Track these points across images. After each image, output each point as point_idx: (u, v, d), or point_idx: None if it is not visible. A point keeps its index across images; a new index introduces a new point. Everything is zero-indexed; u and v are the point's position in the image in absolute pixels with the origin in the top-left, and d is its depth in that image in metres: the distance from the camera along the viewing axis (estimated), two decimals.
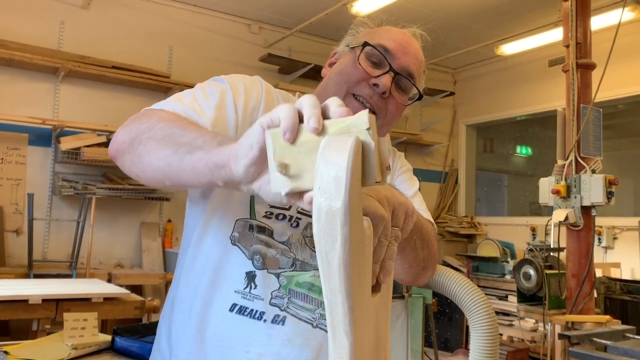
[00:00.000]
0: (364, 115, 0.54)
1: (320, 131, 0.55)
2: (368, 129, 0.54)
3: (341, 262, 0.51)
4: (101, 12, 4.59)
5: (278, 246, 0.97)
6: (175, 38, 4.88)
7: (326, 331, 0.93)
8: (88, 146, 4.17)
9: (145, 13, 4.77)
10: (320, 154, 0.53)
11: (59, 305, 2.61)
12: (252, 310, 0.94)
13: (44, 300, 2.57)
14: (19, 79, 4.25)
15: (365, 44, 1.02)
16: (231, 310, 0.94)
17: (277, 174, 0.57)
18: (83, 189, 4.16)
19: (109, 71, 4.37)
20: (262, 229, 0.96)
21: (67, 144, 4.14)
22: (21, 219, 4.14)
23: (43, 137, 4.29)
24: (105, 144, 4.22)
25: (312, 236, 0.89)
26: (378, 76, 1.00)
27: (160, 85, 4.50)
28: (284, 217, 0.97)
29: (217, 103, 0.94)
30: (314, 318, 0.97)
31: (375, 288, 0.65)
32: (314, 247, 0.90)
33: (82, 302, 2.64)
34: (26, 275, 3.77)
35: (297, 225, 0.98)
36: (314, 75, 5.27)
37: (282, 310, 0.95)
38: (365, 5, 4.48)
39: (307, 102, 0.58)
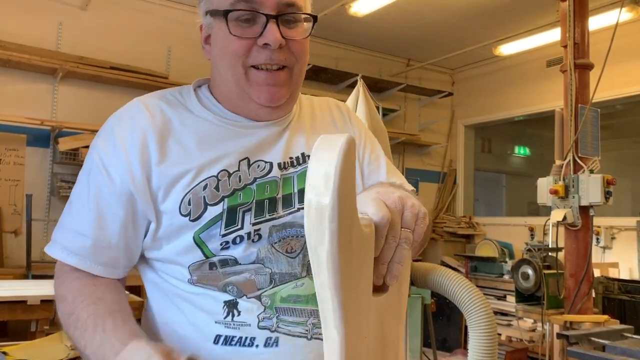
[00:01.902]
0: None
1: None
2: None
3: (329, 256, 0.52)
4: (99, 13, 4.58)
5: (249, 268, 0.89)
6: (173, 38, 4.87)
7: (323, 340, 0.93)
8: (86, 147, 4.16)
9: (143, 14, 4.77)
10: (313, 153, 0.54)
11: None
12: (240, 338, 0.87)
13: (42, 301, 2.57)
14: (17, 80, 4.24)
15: (225, 12, 0.88)
16: (216, 342, 0.87)
17: None
18: None
19: (107, 72, 4.37)
20: (224, 262, 0.88)
21: (65, 144, 4.14)
22: (19, 219, 4.14)
23: (41, 137, 4.28)
24: None
25: (280, 240, 0.90)
26: (261, 34, 0.88)
27: (159, 86, 4.49)
28: (242, 238, 0.88)
29: (93, 195, 0.89)
30: (307, 330, 0.90)
31: (381, 288, 0.65)
32: (285, 251, 0.91)
33: None
34: (25, 276, 3.76)
35: (260, 237, 0.89)
36: (312, 75, 5.27)
37: (272, 332, 0.88)
38: (363, 6, 4.48)
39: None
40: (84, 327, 0.82)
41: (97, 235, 0.88)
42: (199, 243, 0.87)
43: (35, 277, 3.74)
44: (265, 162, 0.94)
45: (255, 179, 0.92)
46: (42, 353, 1.58)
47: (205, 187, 0.89)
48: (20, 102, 4.22)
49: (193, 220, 0.87)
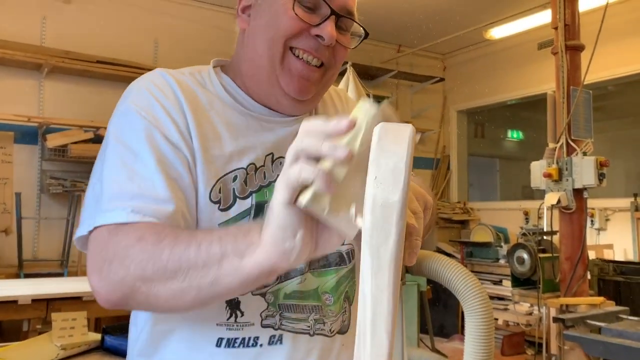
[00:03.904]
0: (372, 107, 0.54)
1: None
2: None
3: (393, 257, 0.50)
4: (83, 7, 4.51)
5: None
6: (160, 30, 4.81)
7: (326, 336, 0.91)
8: (75, 143, 4.11)
9: (128, 6, 4.70)
10: (377, 143, 0.51)
11: (49, 304, 2.59)
12: (243, 339, 0.84)
13: (33, 300, 2.54)
14: (2, 77, 4.18)
15: None
16: (218, 345, 0.83)
17: (343, 225, 0.55)
18: (72, 186, 4.12)
19: (93, 66, 4.31)
20: None
21: (53, 141, 4.09)
22: (10, 218, 4.09)
23: (29, 134, 4.23)
24: (93, 140, 4.17)
25: None
26: (319, 24, 0.85)
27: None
28: None
29: (156, 158, 0.78)
30: (309, 327, 0.89)
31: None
32: None
33: (73, 301, 2.62)
34: (17, 275, 3.74)
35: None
36: None
37: (276, 330, 0.86)
38: None
39: (312, 141, 0.53)
40: (191, 235, 0.67)
41: (175, 201, 0.76)
42: None
43: (27, 276, 3.71)
44: None
45: (278, 177, 0.89)
46: (32, 354, 1.56)
47: (235, 179, 0.85)
48: (6, 99, 4.16)
49: (222, 210, 0.83)
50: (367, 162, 0.52)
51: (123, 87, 0.91)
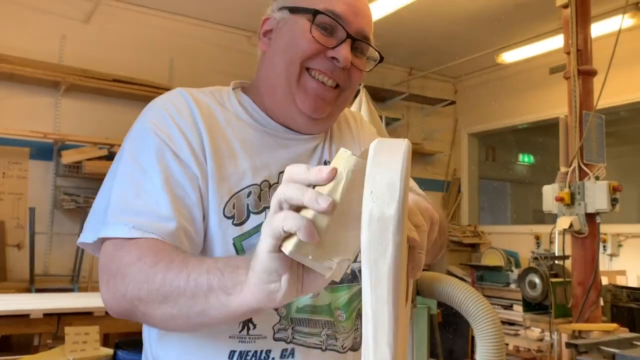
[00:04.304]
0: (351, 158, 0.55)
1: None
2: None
3: (391, 270, 0.50)
4: (102, 26, 4.61)
5: None
6: (176, 50, 4.89)
7: (337, 351, 0.91)
8: (89, 159, 4.16)
9: (145, 26, 4.79)
10: (373, 158, 0.52)
11: (60, 319, 2.59)
12: (255, 352, 0.85)
13: (45, 315, 2.55)
14: (21, 94, 4.26)
15: (316, 11, 0.89)
16: (231, 358, 0.84)
17: (324, 269, 0.56)
18: (84, 203, 4.15)
19: (109, 84, 4.38)
20: None
21: (68, 157, 4.14)
22: (22, 233, 4.13)
23: (44, 151, 4.29)
24: (107, 157, 4.22)
25: None
26: (335, 47, 0.89)
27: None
28: None
29: (163, 176, 0.81)
30: (321, 341, 0.90)
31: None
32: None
33: (83, 316, 2.62)
34: (27, 290, 3.75)
35: None
36: None
37: (288, 343, 0.86)
38: None
39: (294, 190, 0.54)
40: (184, 262, 0.69)
41: (177, 219, 0.79)
42: (239, 249, 0.85)
43: (38, 290, 3.72)
44: None
45: None
46: None
47: (249, 195, 0.87)
48: (23, 115, 4.23)
49: (236, 225, 0.85)
50: (349, 210, 0.53)
51: (138, 105, 0.95)
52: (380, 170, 0.51)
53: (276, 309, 0.86)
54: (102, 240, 0.80)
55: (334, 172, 0.55)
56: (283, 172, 0.90)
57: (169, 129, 0.85)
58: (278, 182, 0.90)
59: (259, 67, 0.98)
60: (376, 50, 0.96)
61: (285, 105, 0.93)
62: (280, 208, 0.56)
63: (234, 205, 0.86)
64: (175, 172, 0.83)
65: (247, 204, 0.87)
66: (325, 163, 0.98)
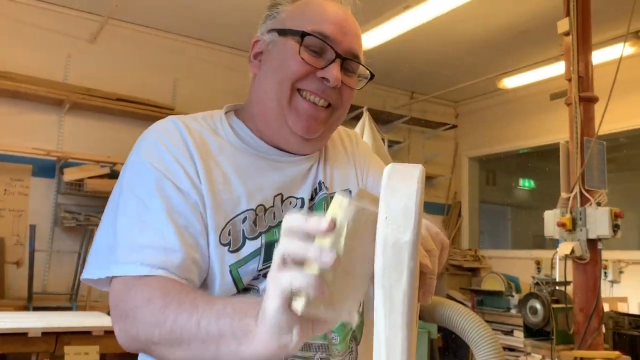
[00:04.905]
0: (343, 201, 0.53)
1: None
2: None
3: (405, 297, 0.50)
4: (107, 46, 4.65)
5: None
6: (179, 70, 4.94)
7: None
8: (91, 177, 4.17)
9: (150, 47, 4.84)
10: (387, 183, 0.52)
11: (58, 338, 2.56)
12: None
13: (43, 334, 2.52)
14: (25, 111, 4.28)
15: (304, 33, 0.89)
16: None
17: (336, 316, 0.56)
18: (85, 221, 4.15)
19: (113, 103, 4.41)
20: (246, 290, 0.87)
21: (70, 175, 4.15)
22: (22, 250, 4.11)
23: (47, 168, 4.29)
24: (109, 175, 4.23)
25: None
26: (324, 67, 0.89)
27: (165, 118, 4.51)
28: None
29: (166, 209, 0.82)
30: None
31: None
32: None
33: (82, 336, 2.60)
34: (25, 308, 3.72)
35: None
36: None
37: None
38: (367, 40, 4.53)
39: (297, 244, 0.53)
40: (193, 306, 0.69)
41: (184, 249, 0.80)
42: (235, 276, 0.85)
43: (36, 308, 3.70)
44: (297, 198, 0.94)
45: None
46: None
47: (244, 220, 0.87)
48: (26, 132, 4.25)
49: (232, 252, 0.86)
50: (354, 255, 0.53)
51: (141, 124, 0.95)
52: (395, 195, 0.51)
53: None
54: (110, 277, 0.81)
55: (333, 222, 0.53)
56: (279, 195, 0.92)
57: (166, 161, 0.86)
58: (274, 206, 0.90)
59: (251, 89, 0.99)
60: (366, 68, 0.97)
61: (278, 126, 0.93)
62: (284, 262, 0.55)
63: (229, 232, 0.86)
64: (177, 202, 0.83)
65: (243, 230, 0.87)
66: (320, 184, 0.98)
